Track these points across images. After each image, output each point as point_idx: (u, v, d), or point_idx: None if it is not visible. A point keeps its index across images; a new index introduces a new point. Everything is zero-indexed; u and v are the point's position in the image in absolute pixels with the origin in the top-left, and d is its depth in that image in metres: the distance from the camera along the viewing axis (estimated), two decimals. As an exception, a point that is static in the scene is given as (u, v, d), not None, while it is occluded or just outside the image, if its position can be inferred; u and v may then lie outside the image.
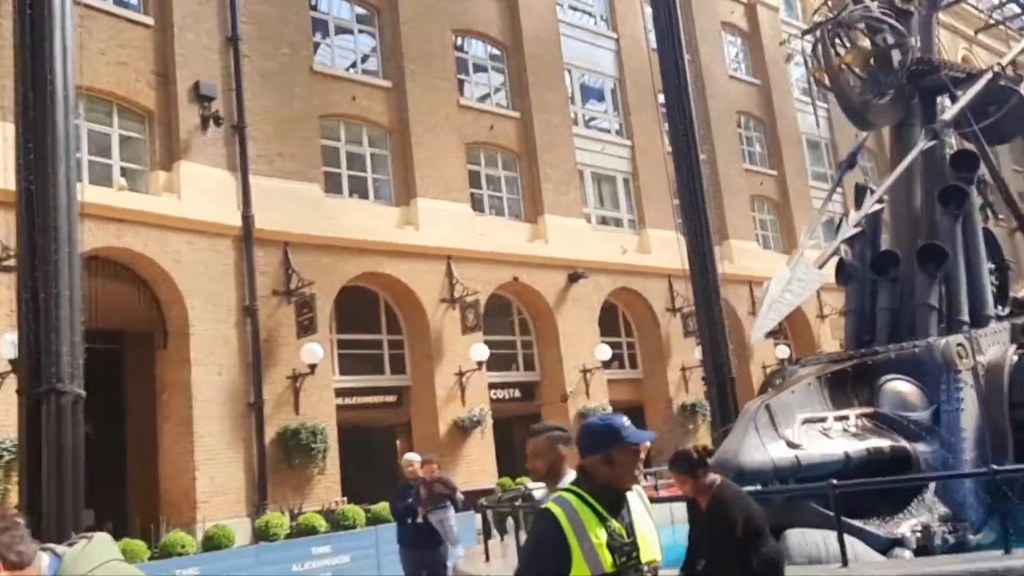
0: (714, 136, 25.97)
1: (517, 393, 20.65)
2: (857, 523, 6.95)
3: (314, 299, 15.65)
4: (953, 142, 12.18)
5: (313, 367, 15.36)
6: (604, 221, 23.47)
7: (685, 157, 18.98)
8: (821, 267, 8.37)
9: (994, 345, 8.48)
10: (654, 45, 18.74)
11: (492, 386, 19.50)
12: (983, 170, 10.95)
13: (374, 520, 13.61)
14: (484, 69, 22.15)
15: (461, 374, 18.26)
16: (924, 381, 8.20)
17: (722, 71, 27.59)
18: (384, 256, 17.71)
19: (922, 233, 9.81)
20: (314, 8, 19.00)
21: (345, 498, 15.11)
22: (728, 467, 6.92)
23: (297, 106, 17.20)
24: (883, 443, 7.53)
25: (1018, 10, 32.74)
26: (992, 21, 33.73)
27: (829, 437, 7.43)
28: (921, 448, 7.75)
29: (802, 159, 29.71)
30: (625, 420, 2.94)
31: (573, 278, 21.14)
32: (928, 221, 9.91)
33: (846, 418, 7.69)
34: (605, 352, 20.56)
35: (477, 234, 19.47)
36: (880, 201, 9.72)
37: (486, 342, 18.98)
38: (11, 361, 10.77)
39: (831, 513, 6.77)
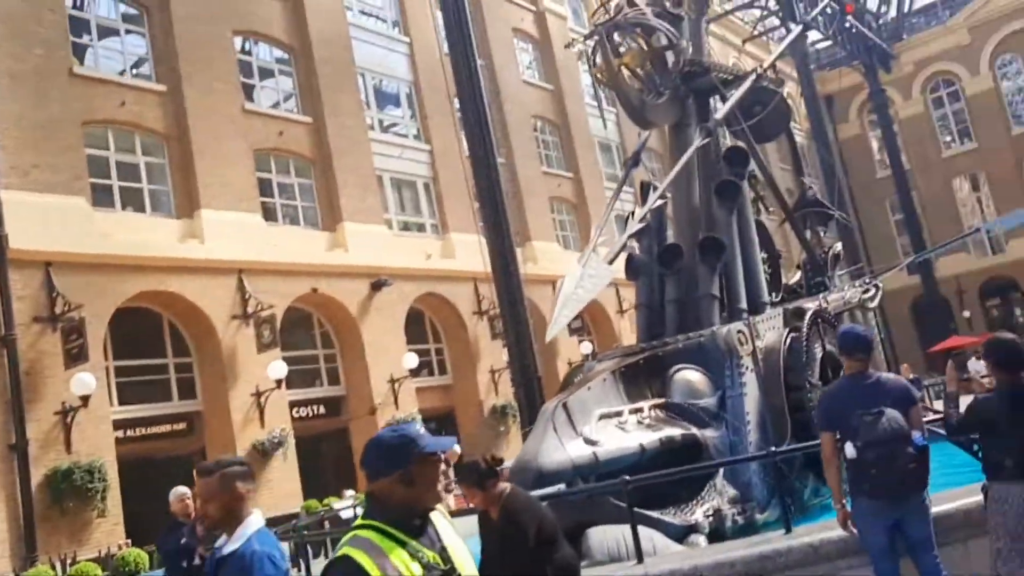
0: (512, 140, 26.31)
1: (322, 409, 19.84)
2: (654, 514, 7.01)
3: (84, 324, 14.16)
4: (728, 141, 12.85)
5: (86, 399, 13.87)
6: (406, 227, 23.12)
7: (483, 160, 19.06)
8: (611, 262, 8.47)
9: (770, 330, 8.91)
10: (447, 50, 18.72)
11: (294, 404, 18.60)
12: (754, 166, 11.64)
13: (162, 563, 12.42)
14: (271, 73, 21.15)
15: (259, 394, 17.26)
16: (710, 368, 8.48)
17: (516, 76, 28.03)
18: (166, 273, 16.39)
19: (702, 226, 10.20)
20: (75, 7, 17.32)
21: (129, 540, 13.76)
22: (528, 470, 6.78)
23: (55, 112, 15.54)
24: (675, 432, 7.67)
25: (777, 23, 35.67)
26: (755, 33, 36.69)
27: (625, 431, 7.47)
28: (710, 434, 7.98)
29: (596, 161, 30.79)
30: (420, 428, 2.54)
31: (376, 286, 20.62)
32: (707, 215, 10.32)
33: (640, 410, 7.78)
34: (412, 360, 20.19)
35: (270, 245, 18.49)
36: (663, 197, 10.02)
37: (285, 358, 18.04)
38: None
39: (634, 509, 6.81)
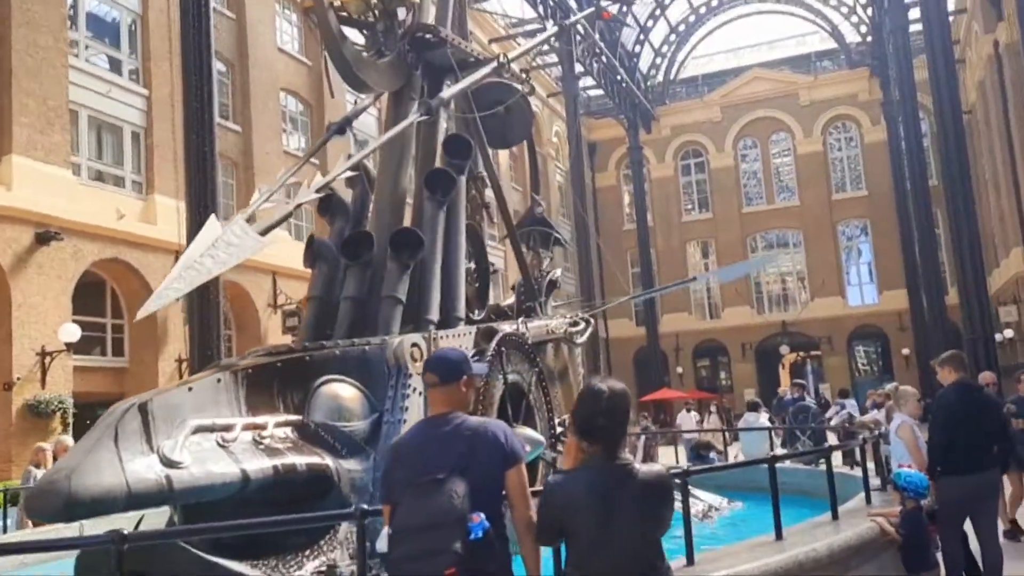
0: (252, 110, 23.66)
1: (-59, 376, 16.02)
2: (241, 568, 5.18)
3: None
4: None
5: None
6: (100, 177, 19.70)
7: (197, 116, 16.35)
8: (263, 233, 6.60)
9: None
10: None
11: None
12: (482, 168, 10.31)
13: None
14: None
15: None
16: (371, 385, 6.82)
17: (270, 41, 25.39)
18: None
19: (402, 218, 8.63)
20: None
21: None
22: (50, 495, 4.68)
23: None
24: (300, 460, 5.88)
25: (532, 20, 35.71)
26: (509, 33, 36.69)
27: (229, 451, 5.56)
28: (349, 466, 6.28)
29: (352, 153, 28.70)
30: None
31: (43, 238, 17.14)
32: (417, 208, 8.78)
33: (262, 427, 5.91)
34: (73, 332, 16.87)
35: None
36: (355, 169, 8.34)
37: None
38: None
39: (210, 557, 4.95)
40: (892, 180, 42.30)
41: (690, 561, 4.46)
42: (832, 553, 4.87)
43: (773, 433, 11.60)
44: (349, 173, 7.58)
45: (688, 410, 29.77)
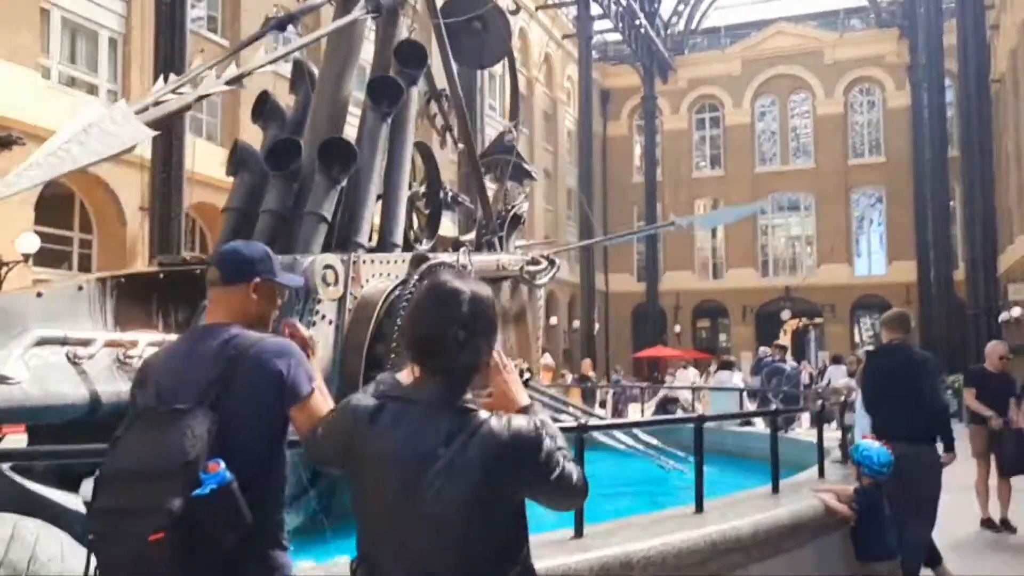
0: (242, 20, 22.54)
1: None
2: (63, 500, 4.48)
3: None
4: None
5: None
6: (73, 83, 18.78)
7: (168, 15, 15.47)
8: (152, 125, 5.78)
9: (379, 277, 6.66)
10: None
11: None
12: (446, 86, 9.42)
13: None
14: None
15: None
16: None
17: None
18: None
19: (341, 129, 7.77)
20: None
21: None
22: None
23: None
24: (170, 385, 5.13)
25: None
26: None
27: (80, 370, 4.83)
28: (237, 397, 5.55)
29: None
30: None
31: (4, 143, 16.28)
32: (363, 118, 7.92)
33: (130, 345, 5.16)
34: (31, 243, 16.16)
35: None
36: (300, 74, 7.44)
37: None
38: None
39: (28, 484, 4.27)
40: (912, 148, 40.94)
41: (578, 533, 3.70)
42: (757, 532, 4.13)
43: (747, 395, 10.88)
44: (267, 68, 6.69)
45: (685, 367, 29.12)
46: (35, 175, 4.92)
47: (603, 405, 16.79)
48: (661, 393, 13.37)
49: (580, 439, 3.82)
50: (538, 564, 3.32)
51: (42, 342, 4.73)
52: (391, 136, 7.75)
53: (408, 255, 7.11)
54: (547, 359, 26.36)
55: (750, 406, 10.51)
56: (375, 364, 6.12)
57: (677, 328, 46.92)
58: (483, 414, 1.95)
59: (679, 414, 11.12)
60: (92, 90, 19.11)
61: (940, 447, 5.45)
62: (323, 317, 6.08)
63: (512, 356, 9.19)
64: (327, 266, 6.20)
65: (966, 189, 31.05)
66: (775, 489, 5.01)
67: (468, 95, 23.68)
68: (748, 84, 47.09)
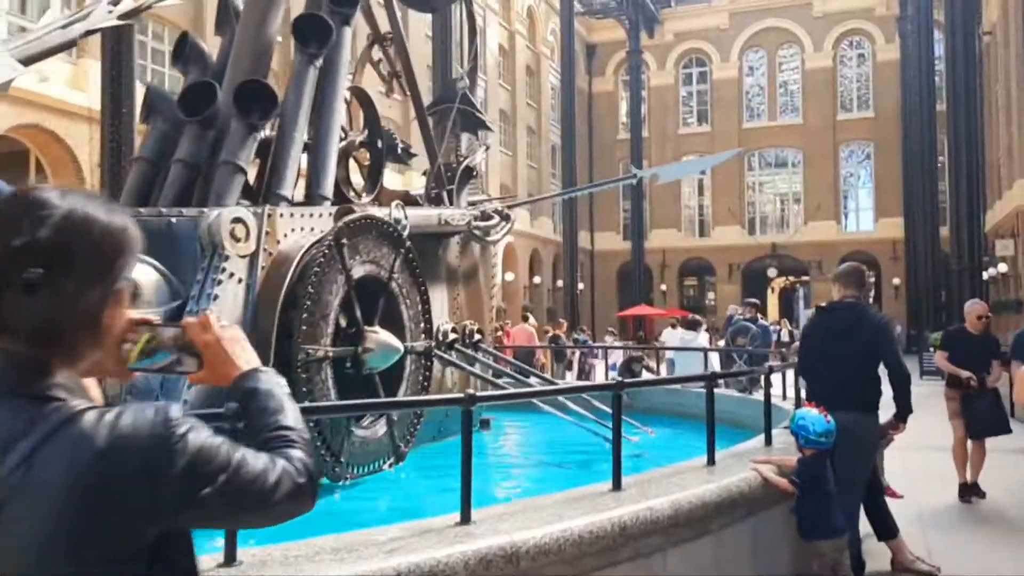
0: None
1: None
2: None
3: None
4: None
5: None
6: (23, 32, 17.95)
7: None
8: (29, 62, 5.19)
9: (298, 231, 6.13)
10: None
11: None
12: (390, 29, 8.81)
13: None
14: None
15: None
16: (178, 266, 5.54)
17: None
18: None
19: (266, 72, 7.17)
20: None
21: None
22: None
23: None
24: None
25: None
26: None
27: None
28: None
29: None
30: None
31: (-54, 98, 15.58)
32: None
33: None
34: (-21, 202, 15.48)
35: None
36: (226, 17, 6.81)
37: None
38: None
39: None
40: (901, 103, 40.25)
41: (465, 519, 3.23)
42: (678, 512, 3.66)
43: (711, 355, 10.43)
44: (173, 2, 6.08)
45: (674, 327, 28.59)
46: None
47: (571, 367, 16.38)
48: (623, 355, 12.92)
49: (468, 412, 3.33)
50: (406, 558, 2.87)
51: None
52: (321, 81, 7.17)
53: (328, 208, 6.57)
54: (531, 320, 25.97)
55: (717, 367, 10.09)
56: (285, 331, 5.63)
57: (663, 287, 46.56)
58: (72, 405, 1.20)
59: (644, 375, 10.69)
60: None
61: (890, 415, 4.99)
62: (231, 275, 5.56)
63: (461, 317, 8.72)
64: (236, 220, 5.67)
65: (952, 143, 30.46)
66: (710, 461, 4.55)
67: (445, 46, 22.72)
68: (736, 38, 46.16)
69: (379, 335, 6.18)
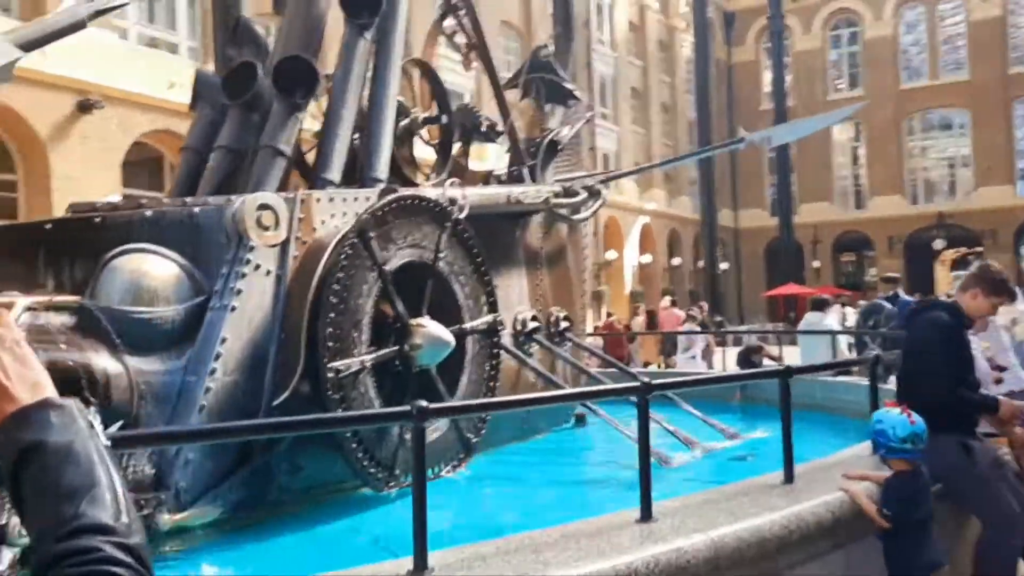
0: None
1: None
2: None
3: None
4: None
5: None
6: (153, 43, 18.66)
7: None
8: (30, 47, 4.89)
9: (342, 216, 5.60)
10: None
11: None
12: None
13: None
14: None
15: None
16: (201, 259, 5.14)
17: None
18: None
19: (317, 49, 6.71)
20: None
21: None
22: None
23: None
24: (41, 356, 4.29)
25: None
26: None
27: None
28: (141, 366, 4.68)
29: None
30: None
31: (84, 107, 16.34)
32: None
33: (6, 307, 4.35)
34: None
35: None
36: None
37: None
38: None
39: None
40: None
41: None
42: (718, 552, 2.84)
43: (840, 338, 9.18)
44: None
45: (842, 304, 26.42)
46: None
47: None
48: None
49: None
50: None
51: None
52: (375, 53, 6.64)
53: (369, 191, 6.00)
54: (665, 302, 24.77)
55: (848, 354, 8.88)
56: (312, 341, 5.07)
57: (816, 264, 43.73)
58: None
59: (767, 366, 9.57)
60: (173, 48, 18.97)
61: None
62: (257, 267, 5.09)
63: (546, 304, 7.99)
64: (263, 207, 5.20)
65: None
66: (788, 478, 3.64)
67: (568, 26, 21.44)
68: (890, -8, 42.62)
69: (427, 328, 5.57)
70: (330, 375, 4.98)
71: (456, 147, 8.84)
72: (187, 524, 4.52)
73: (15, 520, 3.58)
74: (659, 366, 18.28)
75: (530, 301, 7.69)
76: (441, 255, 5.77)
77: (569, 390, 5.96)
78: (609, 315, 24.52)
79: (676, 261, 38.76)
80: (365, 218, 5.23)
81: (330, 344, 5.00)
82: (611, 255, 33.45)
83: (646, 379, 3.98)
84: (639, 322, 19.65)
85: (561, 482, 6.20)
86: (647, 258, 36.32)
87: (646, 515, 2.99)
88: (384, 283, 5.36)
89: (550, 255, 8.13)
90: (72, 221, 4.98)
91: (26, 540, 3.46)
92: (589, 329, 19.34)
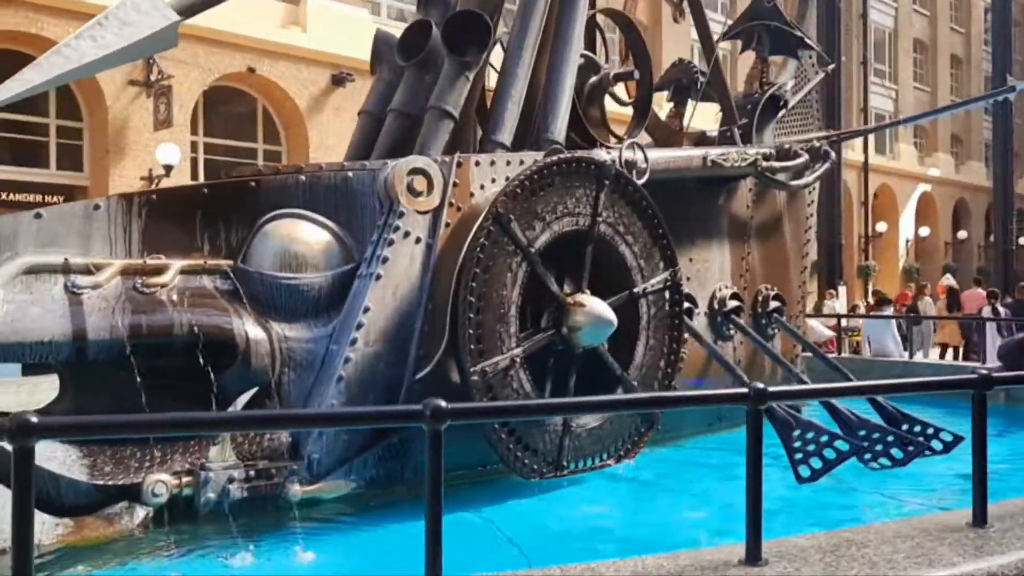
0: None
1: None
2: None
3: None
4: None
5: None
6: (402, 16, 19.36)
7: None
8: (188, 12, 4.89)
9: (503, 180, 5.21)
10: None
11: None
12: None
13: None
14: None
15: (150, 178, 14.80)
16: (352, 225, 4.99)
17: None
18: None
19: (499, 4, 6.32)
20: None
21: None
22: None
23: None
24: (186, 319, 4.35)
25: None
26: None
27: (77, 302, 4.23)
28: (287, 332, 4.63)
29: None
30: None
31: (337, 80, 17.36)
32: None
33: (157, 272, 4.47)
34: (170, 154, 16.58)
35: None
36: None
37: (210, 145, 15.63)
38: None
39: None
40: None
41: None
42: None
43: None
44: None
45: None
46: (33, 78, 4.33)
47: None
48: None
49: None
50: None
51: (34, 269, 4.21)
52: (559, 7, 6.13)
53: (531, 154, 5.53)
54: (948, 280, 21.94)
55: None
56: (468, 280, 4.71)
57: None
58: None
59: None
60: (419, 21, 19.61)
61: None
62: (406, 235, 4.85)
63: (753, 281, 7.11)
64: (415, 170, 4.94)
65: None
66: (978, 520, 2.75)
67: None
68: None
69: (587, 306, 5.04)
70: (474, 378, 4.64)
71: (668, 107, 8.14)
72: (319, 496, 4.41)
73: (151, 478, 3.48)
74: (960, 348, 16.27)
75: (732, 277, 6.86)
76: (600, 217, 5.20)
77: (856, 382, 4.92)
78: (876, 293, 22.22)
79: (961, 235, 34.41)
80: (501, 199, 4.78)
81: (472, 348, 4.65)
82: (881, 227, 30.35)
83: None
84: (926, 301, 17.54)
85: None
86: (925, 231, 32.59)
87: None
88: (531, 265, 4.90)
89: (761, 226, 7.21)
90: (229, 185, 5.02)
91: (160, 499, 3.35)
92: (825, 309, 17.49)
